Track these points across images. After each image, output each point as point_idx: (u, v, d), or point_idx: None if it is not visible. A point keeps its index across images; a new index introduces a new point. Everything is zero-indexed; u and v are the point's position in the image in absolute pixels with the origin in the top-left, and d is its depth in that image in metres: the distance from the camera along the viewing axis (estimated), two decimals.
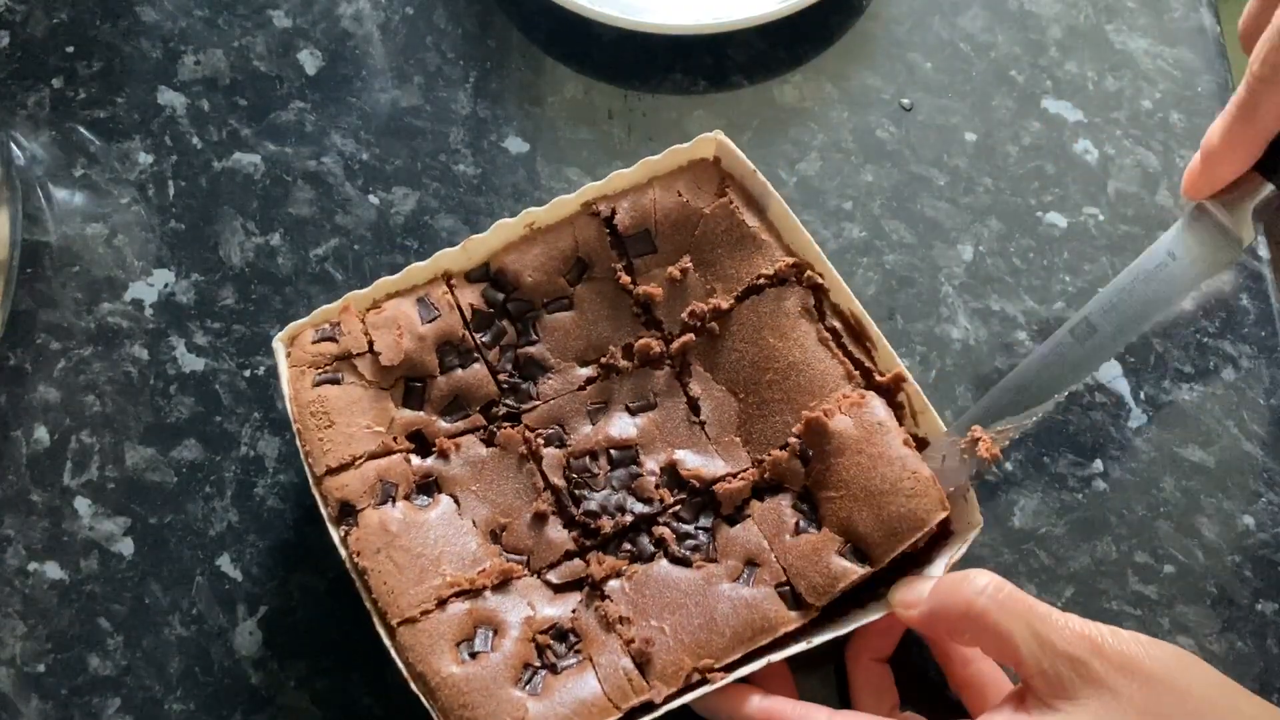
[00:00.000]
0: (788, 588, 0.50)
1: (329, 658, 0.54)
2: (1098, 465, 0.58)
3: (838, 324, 0.54)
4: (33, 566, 0.55)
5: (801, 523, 0.51)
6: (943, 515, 0.49)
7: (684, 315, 0.55)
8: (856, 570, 0.49)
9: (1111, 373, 0.59)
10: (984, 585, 0.46)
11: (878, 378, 0.53)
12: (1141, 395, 0.59)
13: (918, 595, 0.48)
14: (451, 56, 0.66)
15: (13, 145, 0.62)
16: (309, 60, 0.65)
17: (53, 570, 0.55)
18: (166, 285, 0.60)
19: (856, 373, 0.53)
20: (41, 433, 0.57)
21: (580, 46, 0.66)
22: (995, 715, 0.45)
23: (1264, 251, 0.62)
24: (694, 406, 0.54)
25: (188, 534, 0.56)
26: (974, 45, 0.66)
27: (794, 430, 0.52)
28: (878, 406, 0.51)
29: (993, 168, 0.63)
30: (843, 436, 0.51)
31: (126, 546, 0.55)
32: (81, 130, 0.63)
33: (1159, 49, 0.66)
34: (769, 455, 0.52)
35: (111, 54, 0.65)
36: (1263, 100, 0.48)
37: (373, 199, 0.62)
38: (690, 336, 0.55)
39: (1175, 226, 0.50)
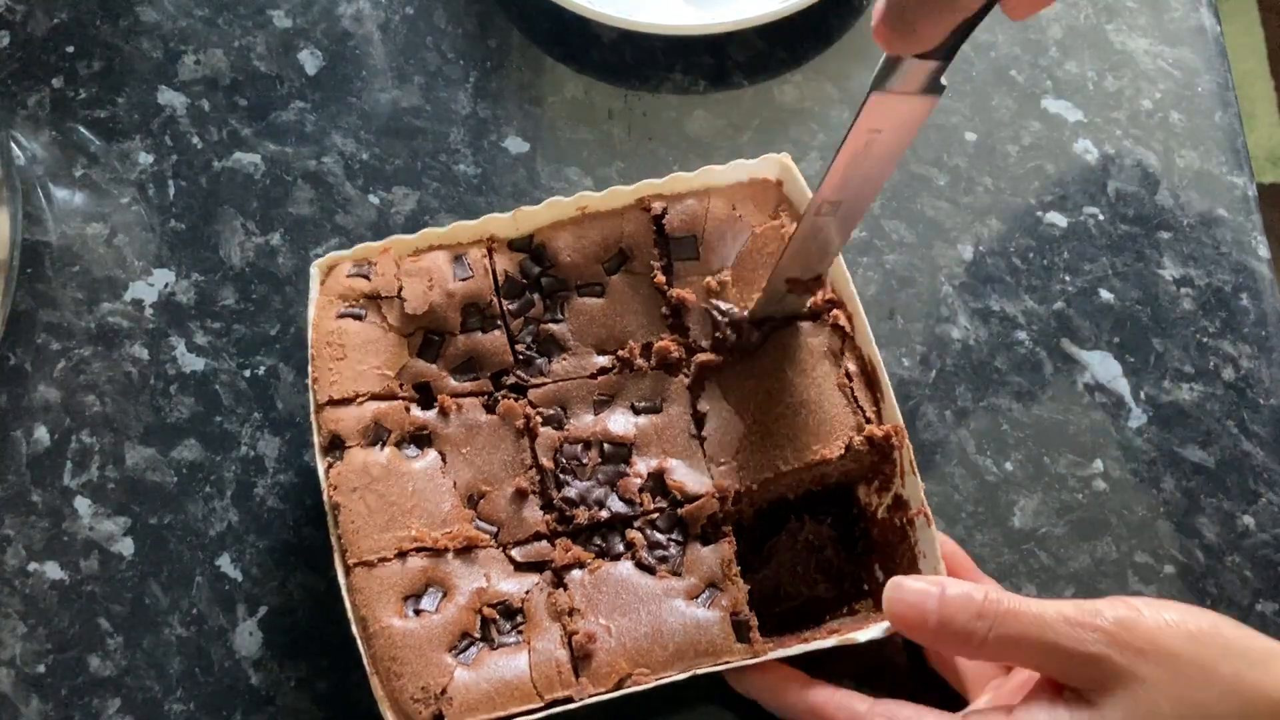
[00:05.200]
0: (742, 618, 0.50)
1: (329, 658, 0.54)
2: (1098, 465, 0.58)
3: (853, 367, 0.53)
4: (33, 566, 0.55)
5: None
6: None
7: (717, 333, 0.54)
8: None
9: (1111, 372, 0.59)
10: (979, 608, 0.45)
11: (877, 431, 0.52)
12: (1141, 395, 0.59)
13: (919, 613, 0.46)
14: (451, 56, 0.66)
15: (13, 145, 0.62)
16: (309, 60, 0.65)
17: (53, 570, 0.55)
18: (166, 285, 0.60)
19: (868, 426, 0.52)
20: (41, 433, 0.57)
21: (580, 46, 0.66)
22: (1033, 707, 0.45)
23: (1264, 251, 0.62)
24: (698, 421, 0.54)
25: (188, 534, 0.56)
26: (974, 45, 0.66)
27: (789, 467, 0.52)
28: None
29: (993, 168, 0.63)
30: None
31: (126, 546, 0.55)
32: (81, 130, 0.63)
33: (1159, 49, 0.66)
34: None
35: (111, 54, 0.65)
36: None
37: (373, 199, 0.62)
38: (713, 357, 0.54)
39: (864, 110, 0.46)
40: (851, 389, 0.53)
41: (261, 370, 0.59)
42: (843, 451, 0.51)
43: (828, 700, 0.48)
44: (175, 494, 0.56)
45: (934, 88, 0.44)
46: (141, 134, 0.63)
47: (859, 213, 0.50)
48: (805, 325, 0.54)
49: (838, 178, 0.48)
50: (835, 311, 0.54)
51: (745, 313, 0.54)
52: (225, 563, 0.55)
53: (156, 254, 0.61)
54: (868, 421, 0.52)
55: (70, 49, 0.65)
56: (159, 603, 0.54)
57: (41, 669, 0.53)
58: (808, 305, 0.54)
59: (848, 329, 0.53)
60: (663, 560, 0.51)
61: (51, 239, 0.61)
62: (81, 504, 0.56)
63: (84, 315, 0.59)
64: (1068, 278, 0.61)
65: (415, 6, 0.67)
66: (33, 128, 0.63)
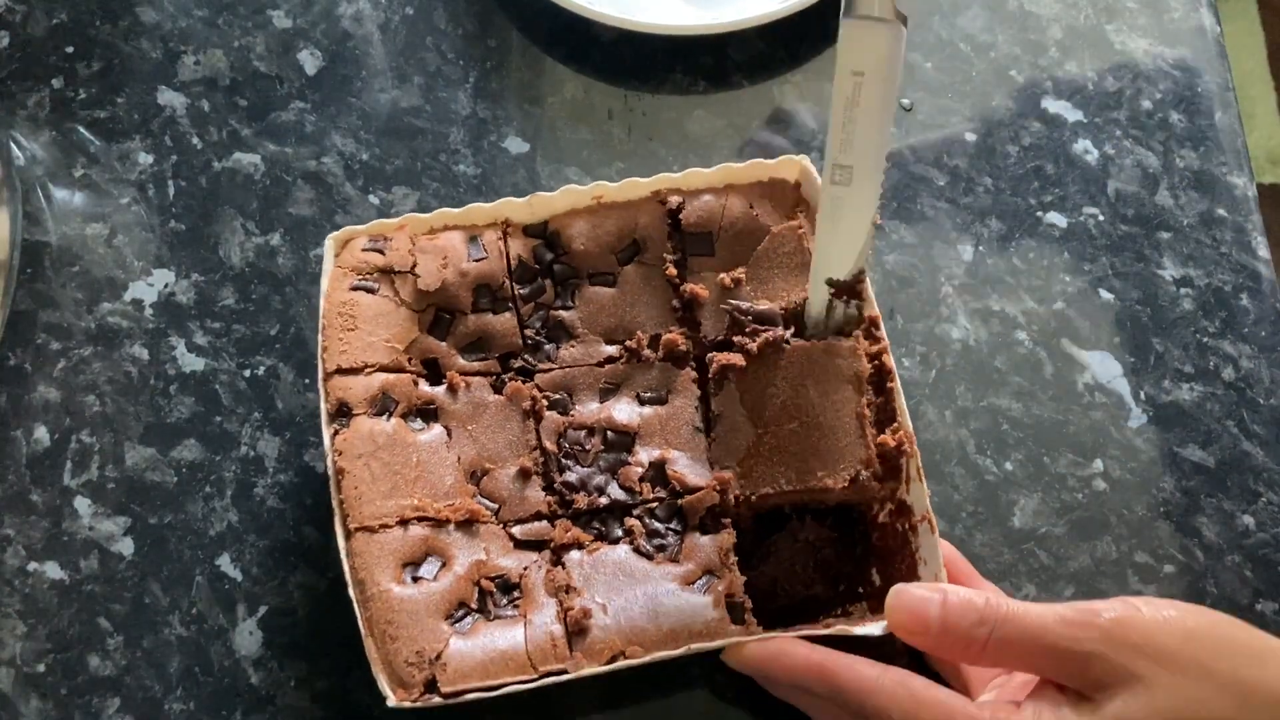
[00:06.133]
0: (737, 600, 0.49)
1: (329, 658, 0.54)
2: (1098, 465, 0.58)
3: (874, 395, 0.52)
4: (33, 566, 0.55)
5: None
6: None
7: (745, 331, 0.53)
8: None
9: (1111, 372, 0.59)
10: (979, 614, 0.45)
11: (889, 438, 0.51)
12: (1141, 395, 0.59)
13: (921, 620, 0.46)
14: (451, 56, 0.66)
15: (13, 145, 0.62)
16: (309, 60, 0.65)
17: (53, 570, 0.55)
18: (166, 285, 0.60)
19: (876, 463, 0.51)
20: (41, 433, 0.57)
21: (580, 46, 0.66)
22: (1040, 702, 0.45)
23: (1264, 251, 0.62)
24: (708, 420, 0.53)
25: (188, 534, 0.56)
26: (974, 45, 0.66)
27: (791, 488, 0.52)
28: None
29: (993, 168, 0.64)
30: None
31: (126, 546, 0.55)
32: (81, 130, 0.63)
33: (1159, 49, 0.66)
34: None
35: (111, 54, 0.65)
36: None
37: (373, 199, 0.62)
38: (736, 359, 0.53)
39: (840, 45, 0.47)
40: (869, 420, 0.52)
41: (261, 370, 0.59)
42: (846, 484, 0.51)
43: (835, 663, 0.47)
44: (175, 494, 0.56)
45: (899, 15, 0.45)
46: (141, 134, 0.63)
47: (874, 182, 0.49)
48: (837, 344, 0.53)
49: (838, 133, 0.48)
50: (870, 316, 0.53)
51: (771, 306, 0.54)
52: (225, 563, 0.55)
53: (156, 254, 0.61)
54: (880, 458, 0.51)
55: (70, 49, 0.65)
56: (159, 602, 0.54)
57: (41, 668, 0.53)
58: (857, 315, 0.52)
59: (878, 347, 0.53)
60: (661, 549, 0.51)
61: (51, 239, 0.61)
62: (81, 504, 0.56)
63: (84, 315, 0.59)
64: (1068, 278, 0.61)
65: (415, 6, 0.67)
66: (33, 128, 0.63)
